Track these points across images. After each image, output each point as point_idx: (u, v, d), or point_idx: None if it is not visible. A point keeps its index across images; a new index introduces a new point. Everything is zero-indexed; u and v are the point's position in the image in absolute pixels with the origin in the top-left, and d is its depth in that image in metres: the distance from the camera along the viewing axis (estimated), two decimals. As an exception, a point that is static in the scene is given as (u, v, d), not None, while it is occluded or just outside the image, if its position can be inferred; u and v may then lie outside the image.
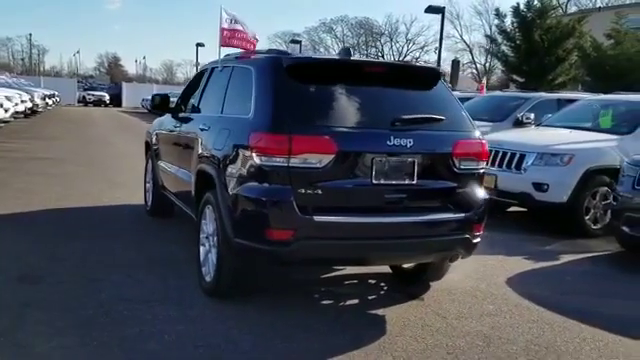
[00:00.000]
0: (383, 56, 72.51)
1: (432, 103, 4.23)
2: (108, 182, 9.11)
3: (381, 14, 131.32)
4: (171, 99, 6.40)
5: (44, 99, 27.39)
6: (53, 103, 32.77)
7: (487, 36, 38.16)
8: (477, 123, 9.98)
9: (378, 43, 75.19)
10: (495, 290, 4.96)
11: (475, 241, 4.22)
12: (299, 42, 43.22)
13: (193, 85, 5.88)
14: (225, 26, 5.34)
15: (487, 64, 58.16)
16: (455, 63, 27.84)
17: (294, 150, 3.63)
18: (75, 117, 27.64)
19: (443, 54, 66.50)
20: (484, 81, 24.22)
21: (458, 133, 4.12)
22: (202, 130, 4.73)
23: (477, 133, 4.24)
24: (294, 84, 3.91)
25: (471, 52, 61.65)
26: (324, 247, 3.77)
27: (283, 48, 41.63)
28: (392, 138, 3.81)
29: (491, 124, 10.25)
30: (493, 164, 7.68)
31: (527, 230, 7.54)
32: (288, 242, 3.66)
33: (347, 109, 3.92)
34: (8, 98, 17.03)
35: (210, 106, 5.03)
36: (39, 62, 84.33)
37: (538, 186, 7.29)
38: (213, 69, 5.35)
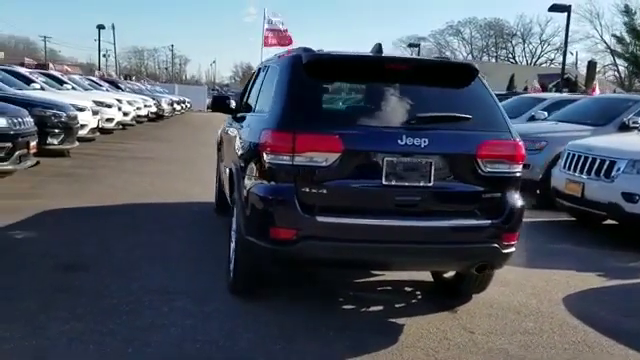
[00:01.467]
0: (514, 58, 69.66)
1: (460, 101, 3.94)
2: (195, 181, 9.48)
3: (512, 15, 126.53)
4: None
5: (171, 105, 29.20)
6: (182, 109, 34.90)
7: (614, 35, 35.17)
8: (576, 127, 9.59)
9: (509, 45, 72.42)
10: (545, 307, 4.54)
11: (506, 251, 3.88)
12: (417, 45, 42.62)
13: (246, 85, 5.97)
14: (268, 27, 5.38)
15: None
16: (591, 65, 26.07)
17: (298, 148, 3.55)
18: (196, 122, 29.17)
19: (581, 55, 62.47)
20: (596, 82, 22.34)
21: (484, 133, 3.81)
22: (239, 129, 4.79)
23: (511, 134, 3.89)
24: (310, 81, 3.83)
25: (612, 53, 57.19)
26: (328, 248, 3.63)
27: (407, 53, 41.26)
28: (404, 137, 3.60)
29: (592, 128, 9.43)
30: (581, 171, 7.24)
31: (613, 244, 6.85)
32: (291, 241, 3.59)
33: (360, 107, 3.78)
34: (130, 103, 18.37)
35: (250, 106, 5.09)
36: (180, 71, 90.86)
37: (628, 196, 6.63)
38: (259, 69, 5.40)
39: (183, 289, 4.39)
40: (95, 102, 14.04)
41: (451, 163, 3.76)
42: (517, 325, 4.16)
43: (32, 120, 8.13)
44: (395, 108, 3.78)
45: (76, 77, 19.89)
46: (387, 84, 3.89)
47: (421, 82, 3.98)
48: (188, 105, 38.10)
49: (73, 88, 16.16)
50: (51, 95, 11.97)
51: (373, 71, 3.97)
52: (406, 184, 3.67)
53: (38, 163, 8.18)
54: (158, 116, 25.37)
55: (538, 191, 8.72)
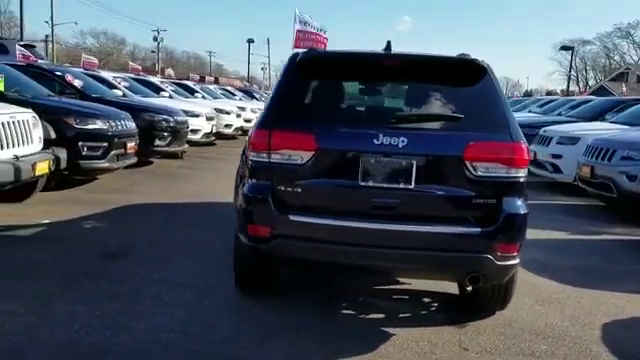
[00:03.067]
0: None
1: (458, 100, 3.69)
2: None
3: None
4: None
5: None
6: None
7: None
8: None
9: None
10: (575, 332, 4.08)
11: (502, 264, 3.55)
12: (571, 48, 39.87)
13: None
14: (299, 28, 5.40)
15: None
16: None
17: (273, 145, 3.55)
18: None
19: None
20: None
21: (475, 134, 3.52)
22: None
23: (510, 136, 3.56)
24: (299, 79, 3.81)
25: None
26: (301, 248, 3.58)
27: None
28: (381, 137, 3.45)
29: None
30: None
31: None
32: (266, 239, 3.59)
33: (344, 105, 3.69)
34: (253, 110, 19.27)
35: None
36: None
37: None
38: None
39: (196, 283, 4.55)
40: (216, 109, 14.93)
41: (435, 165, 3.53)
42: (526, 347, 3.79)
43: (133, 123, 8.87)
44: (380, 107, 3.65)
45: (210, 87, 21.30)
46: (380, 82, 3.78)
47: (417, 79, 3.79)
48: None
49: (203, 97, 17.33)
50: (167, 102, 12.95)
51: (368, 68, 3.86)
52: (385, 185, 3.51)
53: (151, 163, 8.83)
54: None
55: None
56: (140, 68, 21.25)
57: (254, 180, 3.68)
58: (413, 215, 3.52)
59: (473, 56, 3.86)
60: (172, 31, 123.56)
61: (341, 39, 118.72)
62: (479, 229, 3.47)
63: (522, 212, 3.58)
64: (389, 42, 4.09)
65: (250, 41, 48.02)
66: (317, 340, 3.67)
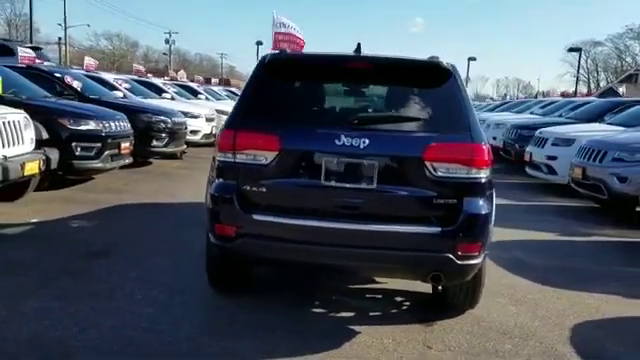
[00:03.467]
0: None
1: (420, 101, 3.73)
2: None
3: None
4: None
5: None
6: None
7: None
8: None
9: None
10: (544, 332, 4.10)
11: (463, 263, 3.58)
12: (579, 50, 39.64)
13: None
14: (277, 30, 5.46)
15: None
16: None
17: (238, 145, 3.61)
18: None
19: None
20: None
21: (435, 135, 3.56)
22: None
23: (471, 137, 3.59)
24: (267, 81, 3.87)
25: None
26: (265, 247, 3.63)
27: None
28: (342, 138, 3.50)
29: None
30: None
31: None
32: (231, 238, 3.65)
33: (309, 106, 3.73)
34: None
35: None
36: None
37: None
38: None
39: (172, 281, 4.61)
40: (217, 110, 15.03)
41: (396, 166, 3.57)
42: (491, 345, 3.81)
43: (128, 124, 8.97)
44: (345, 108, 3.70)
45: (215, 89, 21.44)
46: (347, 84, 3.82)
47: (383, 82, 3.84)
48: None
49: (206, 98, 17.44)
50: (166, 103, 13.07)
51: (335, 71, 3.90)
52: (347, 186, 3.55)
53: (150, 163, 8.92)
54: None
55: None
56: (144, 70, 21.39)
57: (221, 180, 3.74)
58: (375, 215, 3.56)
59: (441, 59, 3.90)
60: (185, 33, 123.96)
61: (356, 42, 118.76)
62: (439, 229, 3.51)
63: (483, 212, 3.61)
64: (359, 44, 4.14)
65: (259, 43, 48.03)
66: (283, 338, 3.72)
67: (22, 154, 6.46)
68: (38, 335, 3.53)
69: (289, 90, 3.85)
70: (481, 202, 3.64)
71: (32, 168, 6.46)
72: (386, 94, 3.86)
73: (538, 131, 11.42)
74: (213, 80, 37.06)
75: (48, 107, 8.04)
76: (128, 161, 9.04)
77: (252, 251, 3.66)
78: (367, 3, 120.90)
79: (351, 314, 4.20)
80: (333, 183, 3.54)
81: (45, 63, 14.86)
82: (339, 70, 3.89)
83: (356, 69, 3.86)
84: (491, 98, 53.14)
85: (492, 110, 23.14)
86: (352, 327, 3.94)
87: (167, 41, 73.09)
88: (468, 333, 3.98)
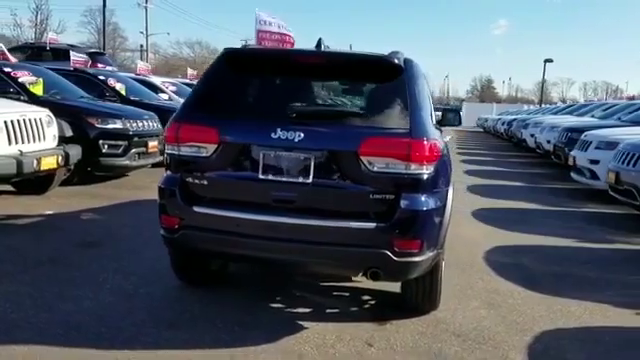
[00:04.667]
0: None
1: (367, 97, 3.71)
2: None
3: None
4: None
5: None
6: None
7: None
8: None
9: None
10: (504, 337, 3.92)
11: (402, 260, 3.49)
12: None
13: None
14: (259, 28, 5.49)
15: None
16: None
17: (181, 138, 3.68)
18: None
19: None
20: None
21: (372, 130, 3.49)
22: None
23: (410, 132, 3.49)
24: (219, 74, 3.92)
25: None
26: (205, 239, 3.67)
27: None
28: (278, 131, 3.49)
29: None
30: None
31: None
32: (174, 230, 3.72)
33: (251, 100, 3.76)
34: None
35: None
36: None
37: None
38: None
39: (146, 273, 4.73)
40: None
41: (333, 160, 3.52)
42: (436, 347, 3.69)
43: (157, 123, 9.31)
44: (288, 102, 3.69)
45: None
46: (297, 78, 3.82)
47: (333, 77, 3.83)
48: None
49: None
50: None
51: (286, 65, 3.90)
52: (284, 179, 3.54)
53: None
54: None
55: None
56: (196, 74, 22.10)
57: (168, 172, 3.84)
58: (312, 209, 3.53)
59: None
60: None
61: (434, 44, 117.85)
62: (374, 224, 3.44)
63: (424, 209, 3.51)
64: (320, 39, 4.13)
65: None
66: (225, 330, 3.74)
67: (42, 150, 6.83)
68: (-8, 315, 3.73)
69: (238, 84, 3.88)
70: (423, 198, 3.53)
71: (50, 163, 6.81)
72: (334, 89, 3.84)
73: (584, 134, 10.90)
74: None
75: (78, 107, 8.48)
76: (158, 159, 9.35)
77: (193, 243, 3.72)
78: (446, 5, 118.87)
79: (307, 310, 4.17)
80: (270, 177, 3.55)
81: (107, 68, 15.63)
82: (291, 65, 3.89)
83: (308, 64, 3.85)
84: (563, 101, 50.89)
85: (555, 113, 22.25)
86: (301, 323, 3.92)
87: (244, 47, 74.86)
88: (419, 333, 3.87)
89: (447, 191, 3.89)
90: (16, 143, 6.48)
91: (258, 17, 5.70)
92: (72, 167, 8.08)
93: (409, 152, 3.43)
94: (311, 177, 3.50)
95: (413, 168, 3.46)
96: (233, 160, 3.63)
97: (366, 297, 4.52)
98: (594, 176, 9.85)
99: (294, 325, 3.87)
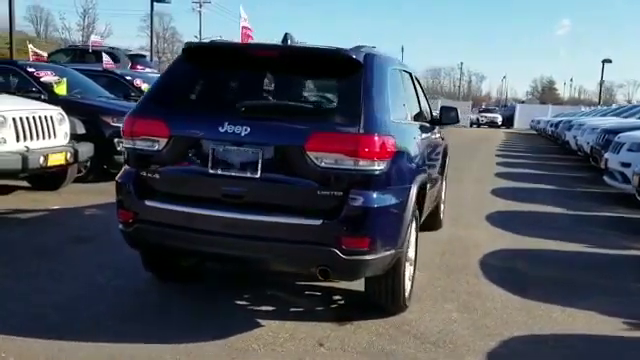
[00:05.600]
0: None
1: (322, 91, 3.68)
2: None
3: None
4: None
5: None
6: None
7: None
8: None
9: None
10: (467, 341, 3.78)
11: (350, 258, 3.40)
12: None
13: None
14: (245, 24, 5.49)
15: None
16: None
17: (135, 132, 3.71)
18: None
19: None
20: None
21: (320, 125, 3.42)
22: None
23: (360, 128, 3.39)
24: (178, 68, 3.96)
25: None
26: (156, 233, 3.67)
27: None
28: (226, 125, 3.47)
29: None
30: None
31: None
32: (129, 224, 3.75)
33: (204, 94, 3.77)
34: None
35: None
36: (472, 88, 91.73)
37: None
38: None
39: (125, 267, 4.75)
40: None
41: (281, 155, 3.47)
42: (390, 349, 3.58)
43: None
44: (239, 96, 3.68)
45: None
46: (250, 72, 3.80)
47: (288, 70, 3.77)
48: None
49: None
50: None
51: (244, 60, 3.88)
52: (233, 174, 3.52)
53: None
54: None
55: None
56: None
57: (125, 166, 3.87)
58: (259, 205, 3.49)
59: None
60: (312, 41, 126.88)
61: (492, 45, 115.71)
62: (320, 221, 3.36)
63: (374, 206, 3.42)
64: (286, 34, 4.09)
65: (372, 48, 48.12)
66: (178, 325, 3.72)
67: (51, 147, 7.03)
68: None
69: (194, 78, 3.89)
70: (374, 195, 3.44)
71: (58, 160, 7.01)
72: (288, 83, 3.79)
73: (617, 136, 10.43)
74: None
75: (95, 106, 8.71)
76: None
77: (146, 238, 3.73)
78: (505, 6, 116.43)
79: (271, 308, 4.13)
80: (220, 171, 3.53)
81: (147, 69, 16.03)
82: (247, 59, 3.86)
83: (264, 58, 3.82)
84: (628, 103, 48.93)
85: (604, 115, 21.40)
86: (260, 320, 3.88)
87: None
88: (378, 335, 3.77)
89: (409, 188, 3.78)
90: (24, 140, 6.68)
91: (242, 14, 5.73)
92: (88, 165, 8.30)
93: (357, 148, 3.34)
94: (259, 172, 3.46)
95: (362, 164, 3.37)
96: (184, 154, 3.63)
97: (337, 297, 4.45)
98: (625, 179, 9.38)
99: (251, 322, 3.84)
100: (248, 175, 3.48)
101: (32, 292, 4.16)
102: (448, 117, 5.98)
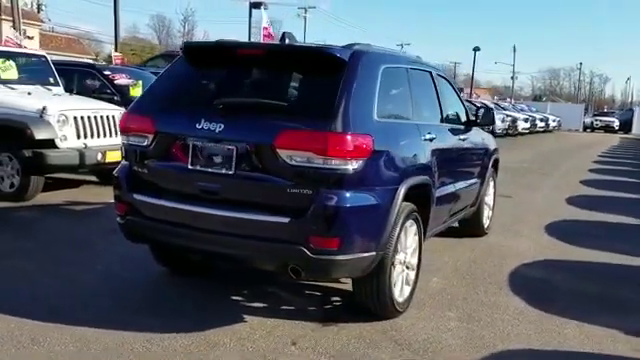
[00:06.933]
0: None
1: (295, 89, 3.66)
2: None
3: None
4: None
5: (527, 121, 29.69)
6: (546, 126, 35.52)
7: None
8: None
9: None
10: (452, 352, 3.62)
11: (318, 257, 3.35)
12: None
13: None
14: (266, 25, 5.50)
15: None
16: None
17: (128, 128, 3.88)
18: (548, 142, 27.86)
19: None
20: None
21: (290, 122, 3.40)
22: None
23: (328, 126, 3.32)
24: (176, 68, 4.08)
25: None
26: (143, 226, 3.81)
27: None
28: (202, 121, 3.53)
29: None
30: None
31: None
32: (122, 216, 3.93)
33: (189, 91, 3.88)
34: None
35: None
36: (595, 90, 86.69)
37: None
38: None
39: (144, 258, 4.98)
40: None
41: (253, 152, 3.47)
42: (363, 353, 3.49)
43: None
44: (220, 93, 3.75)
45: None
46: (237, 70, 3.87)
47: (271, 68, 3.81)
48: (554, 124, 37.36)
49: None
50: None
51: (232, 58, 3.93)
52: (209, 170, 3.58)
53: None
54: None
55: None
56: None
57: (123, 161, 4.06)
58: (232, 201, 3.53)
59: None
60: (418, 44, 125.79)
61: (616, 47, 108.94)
62: (289, 219, 3.34)
63: (346, 206, 3.34)
64: (284, 33, 4.12)
65: (476, 49, 46.69)
66: (159, 316, 3.82)
67: (111, 144, 7.48)
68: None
69: (184, 76, 4.00)
70: (347, 195, 3.37)
71: (116, 156, 7.42)
72: (273, 82, 3.80)
73: None
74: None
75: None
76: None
77: (133, 230, 3.88)
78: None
79: (261, 305, 4.15)
80: (198, 167, 3.61)
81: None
82: (233, 57, 3.91)
83: (251, 56, 3.87)
84: None
85: None
86: (246, 316, 3.91)
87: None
88: (357, 338, 3.68)
89: (394, 190, 3.66)
90: (85, 137, 7.17)
91: (263, 17, 5.78)
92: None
93: (326, 146, 3.29)
94: (233, 169, 3.50)
95: (333, 163, 3.31)
96: (167, 149, 3.74)
97: (335, 298, 4.39)
98: None
99: (233, 317, 3.87)
100: (223, 172, 3.53)
101: (49, 277, 4.45)
102: (485, 118, 5.74)
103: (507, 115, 27.53)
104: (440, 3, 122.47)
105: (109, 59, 26.82)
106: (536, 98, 79.47)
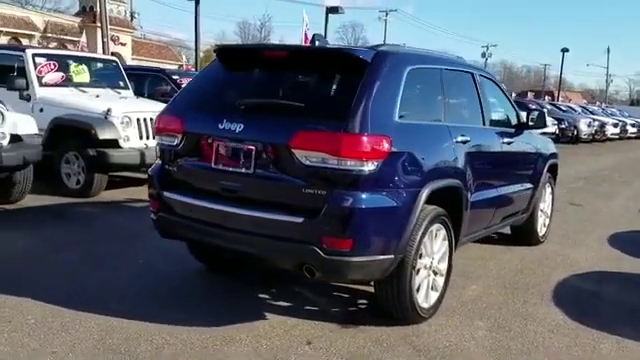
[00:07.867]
0: None
1: (316, 90, 3.69)
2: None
3: None
4: None
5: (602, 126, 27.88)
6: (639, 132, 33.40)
7: None
8: None
9: None
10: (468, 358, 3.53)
11: (331, 258, 3.34)
12: None
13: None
14: (306, 29, 5.51)
15: None
16: None
17: (161, 129, 4.04)
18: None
19: None
20: None
21: (305, 123, 3.41)
22: None
23: (346, 127, 3.31)
24: (209, 70, 4.23)
25: None
26: (173, 223, 3.94)
27: None
28: (225, 122, 3.62)
29: None
30: None
31: None
32: (155, 213, 4.09)
33: (217, 92, 3.97)
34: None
35: None
36: None
37: None
38: None
39: (185, 255, 5.16)
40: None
41: (271, 152, 3.52)
42: (376, 356, 3.46)
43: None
44: (245, 94, 3.82)
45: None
46: (262, 72, 3.96)
47: (295, 70, 3.86)
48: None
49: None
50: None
51: (259, 60, 4.02)
52: (231, 169, 3.66)
53: None
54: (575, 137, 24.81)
55: None
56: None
57: (158, 160, 4.23)
58: (252, 200, 3.59)
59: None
60: (505, 45, 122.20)
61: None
62: (300, 219, 3.37)
63: (361, 207, 3.32)
64: (314, 35, 4.17)
65: (564, 50, 44.70)
66: (180, 311, 3.92)
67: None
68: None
69: (214, 78, 4.12)
70: (363, 196, 3.35)
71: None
72: (292, 82, 3.83)
73: None
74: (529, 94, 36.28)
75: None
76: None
77: (165, 226, 4.03)
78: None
79: (286, 304, 4.19)
80: (221, 166, 3.70)
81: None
82: (262, 59, 3.98)
83: (276, 58, 3.92)
84: None
85: None
86: (268, 313, 3.97)
87: (483, 54, 73.27)
88: (374, 341, 3.65)
89: (416, 192, 3.61)
90: (147, 138, 7.50)
91: (305, 19, 5.80)
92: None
93: (340, 147, 3.28)
94: (252, 168, 3.57)
95: (348, 164, 3.30)
96: (194, 149, 3.86)
97: (362, 301, 4.36)
98: None
99: (256, 314, 3.94)
100: (243, 171, 3.61)
101: (95, 269, 4.70)
102: (537, 121, 5.53)
103: (594, 119, 26.17)
104: (529, 2, 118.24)
105: (194, 65, 27.97)
106: (633, 102, 75.16)
